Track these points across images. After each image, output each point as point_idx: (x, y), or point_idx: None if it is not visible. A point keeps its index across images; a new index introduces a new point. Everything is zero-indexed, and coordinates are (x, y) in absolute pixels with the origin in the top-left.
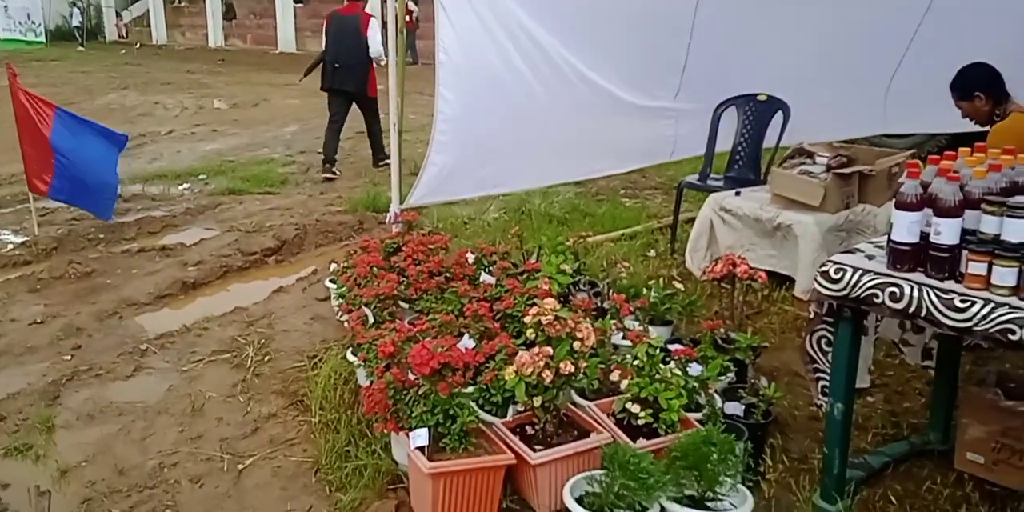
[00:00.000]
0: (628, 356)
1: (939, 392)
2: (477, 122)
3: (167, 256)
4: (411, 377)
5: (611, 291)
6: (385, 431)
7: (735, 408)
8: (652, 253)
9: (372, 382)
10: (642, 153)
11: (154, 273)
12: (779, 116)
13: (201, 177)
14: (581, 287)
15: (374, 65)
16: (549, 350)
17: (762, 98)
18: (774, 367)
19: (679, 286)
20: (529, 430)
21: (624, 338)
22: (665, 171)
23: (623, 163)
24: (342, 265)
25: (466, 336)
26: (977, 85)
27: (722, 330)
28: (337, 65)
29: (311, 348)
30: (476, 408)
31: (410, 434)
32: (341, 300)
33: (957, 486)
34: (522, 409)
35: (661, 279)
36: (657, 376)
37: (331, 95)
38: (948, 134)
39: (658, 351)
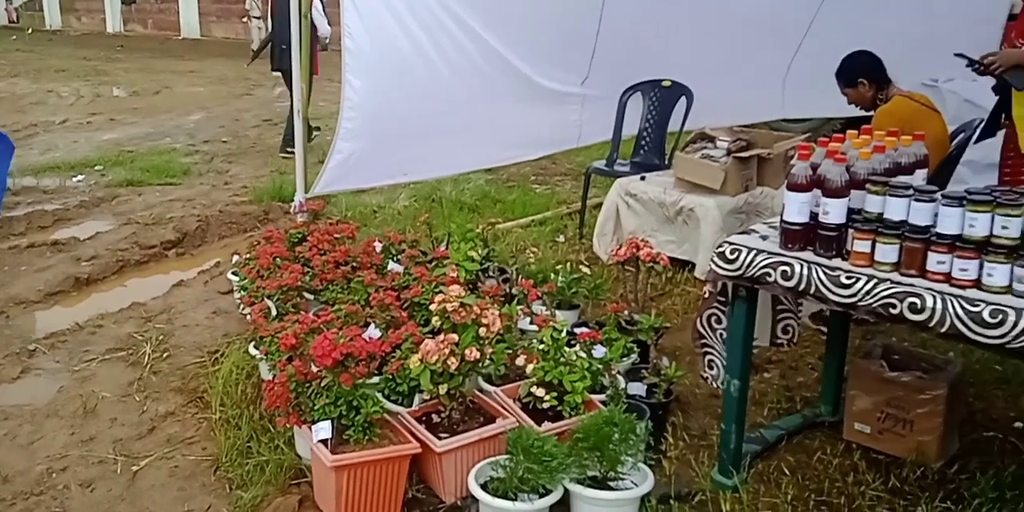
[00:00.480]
0: (534, 341)
1: (829, 366)
2: (385, 109)
3: (59, 251)
4: (314, 369)
5: (520, 277)
6: (287, 425)
7: (638, 388)
8: (561, 238)
9: (275, 376)
10: (550, 139)
11: (44, 269)
12: (683, 102)
13: (97, 168)
14: (490, 273)
15: (318, 46)
16: (454, 337)
17: (666, 84)
18: (676, 347)
19: (586, 270)
20: (435, 418)
21: (532, 323)
22: (575, 157)
23: (532, 150)
24: (244, 257)
25: (372, 326)
26: (860, 72)
27: (626, 312)
28: (284, 46)
29: (213, 343)
30: (382, 398)
31: (313, 427)
32: (243, 293)
33: (846, 455)
34: (428, 398)
35: (569, 264)
36: (562, 359)
37: (283, 75)
38: (843, 118)
39: (563, 335)
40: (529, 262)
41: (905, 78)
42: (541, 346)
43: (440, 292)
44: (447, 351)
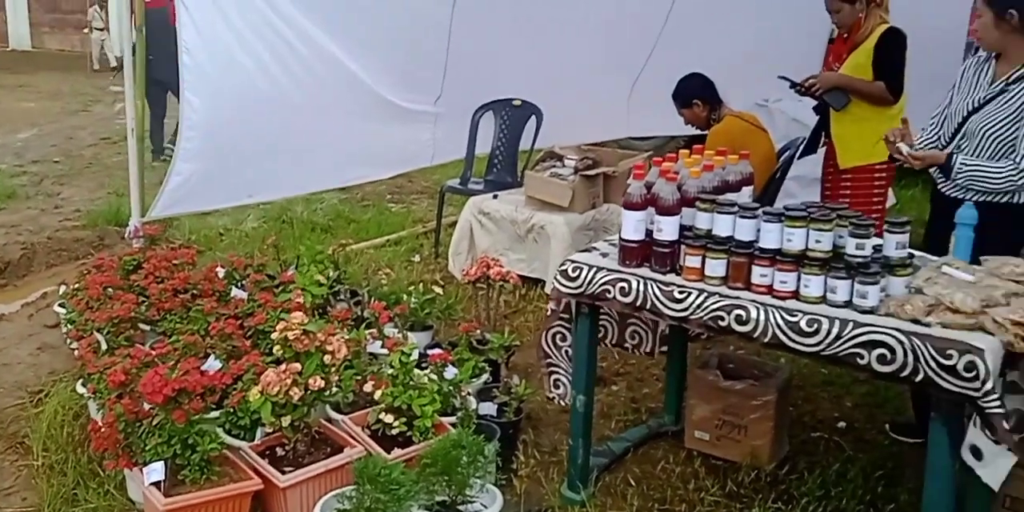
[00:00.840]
0: (384, 366)
1: (671, 377)
2: (227, 128)
3: None
4: (145, 407)
5: (372, 299)
6: (117, 468)
7: (488, 408)
8: (417, 258)
9: (103, 415)
10: (403, 158)
11: None
12: (533, 120)
13: None
14: (341, 297)
15: None
16: (297, 366)
17: (517, 103)
18: (529, 364)
19: (439, 290)
20: (280, 451)
21: (383, 347)
22: (431, 175)
23: (385, 169)
24: (72, 287)
25: (212, 357)
26: (694, 94)
27: (479, 332)
28: (151, 57)
29: (36, 382)
30: (222, 433)
31: (144, 469)
32: (71, 326)
33: (687, 463)
34: (271, 430)
35: (423, 284)
36: (411, 383)
37: (148, 86)
38: (686, 136)
39: (412, 358)
40: (382, 284)
41: (740, 98)
42: (390, 371)
43: (283, 319)
44: (289, 381)
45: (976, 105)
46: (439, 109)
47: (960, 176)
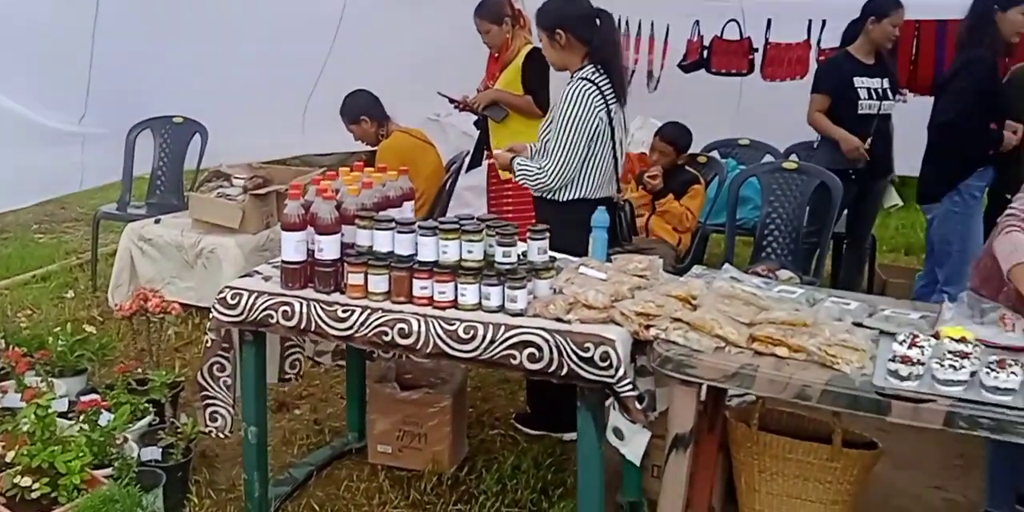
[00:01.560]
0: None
1: (351, 394)
2: None
3: None
4: None
5: (9, 346)
6: None
7: (152, 453)
8: (70, 294)
9: None
10: (46, 184)
11: None
12: (198, 139)
13: None
14: None
15: None
16: None
17: (178, 120)
18: None
19: (90, 329)
20: None
21: (22, 399)
22: (88, 200)
23: (26, 196)
24: None
25: None
26: (361, 110)
27: (140, 370)
28: None
29: None
30: None
31: None
32: None
33: (372, 479)
34: None
35: (74, 323)
36: (53, 438)
37: None
38: (368, 151)
39: (51, 409)
40: (22, 327)
41: (413, 113)
42: (26, 427)
43: None
44: None
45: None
46: (86, 129)
47: (517, 175)
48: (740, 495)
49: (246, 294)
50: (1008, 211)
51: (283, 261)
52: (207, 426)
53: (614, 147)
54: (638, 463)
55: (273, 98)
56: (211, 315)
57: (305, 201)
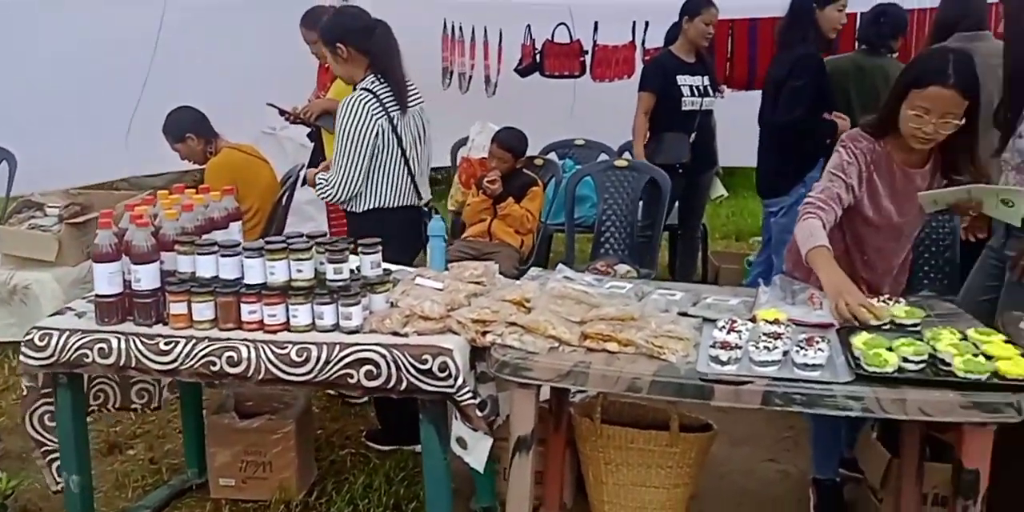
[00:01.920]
0: None
1: (188, 428)
2: None
3: None
4: None
5: None
6: None
7: None
8: None
9: None
10: None
11: None
12: (5, 167)
13: None
14: None
15: None
16: None
17: None
18: (25, 449)
19: None
20: None
21: None
22: None
23: None
24: None
25: None
26: (185, 127)
27: None
28: None
29: None
30: None
31: None
32: None
33: None
34: None
35: None
36: None
37: None
38: (202, 168)
39: None
40: None
41: (245, 128)
42: None
43: None
44: None
45: None
46: None
47: (316, 190)
48: (589, 488)
49: (56, 333)
50: (807, 199)
51: (97, 295)
52: (55, 484)
53: (404, 154)
54: (482, 470)
55: (92, 118)
56: (20, 359)
57: (118, 229)
